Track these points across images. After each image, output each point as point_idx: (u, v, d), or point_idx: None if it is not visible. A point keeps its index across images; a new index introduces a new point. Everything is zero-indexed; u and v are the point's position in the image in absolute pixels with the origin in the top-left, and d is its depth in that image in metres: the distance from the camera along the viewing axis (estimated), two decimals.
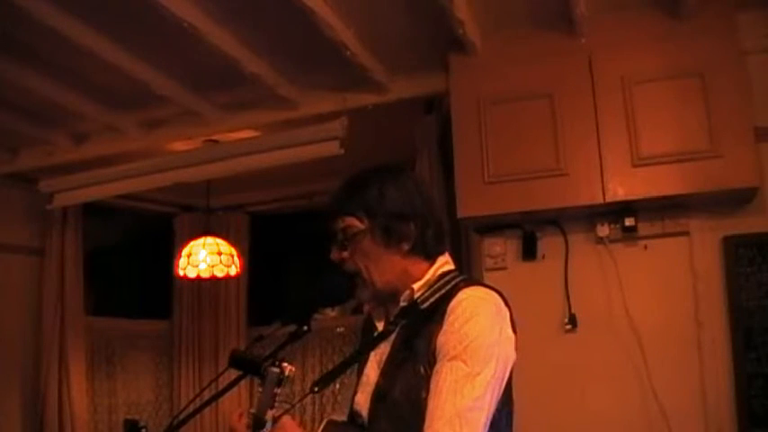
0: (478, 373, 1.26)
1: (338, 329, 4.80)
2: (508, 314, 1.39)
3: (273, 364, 1.26)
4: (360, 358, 1.44)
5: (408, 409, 1.31)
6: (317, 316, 1.45)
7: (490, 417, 1.28)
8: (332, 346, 4.87)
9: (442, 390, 1.26)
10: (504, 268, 2.95)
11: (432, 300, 1.38)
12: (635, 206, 2.72)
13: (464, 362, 1.27)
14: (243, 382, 1.42)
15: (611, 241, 2.80)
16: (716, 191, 2.59)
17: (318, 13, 2.55)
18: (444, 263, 1.47)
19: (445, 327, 1.32)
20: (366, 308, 1.56)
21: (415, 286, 1.42)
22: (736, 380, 2.60)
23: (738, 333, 2.61)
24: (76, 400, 4.15)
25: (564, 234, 2.88)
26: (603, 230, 2.79)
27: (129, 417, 4.61)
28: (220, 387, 1.46)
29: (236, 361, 1.34)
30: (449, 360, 1.28)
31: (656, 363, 2.67)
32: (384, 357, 1.41)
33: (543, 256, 2.91)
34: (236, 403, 4.74)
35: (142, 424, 4.04)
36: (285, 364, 1.26)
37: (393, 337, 1.41)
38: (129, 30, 2.76)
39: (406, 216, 1.43)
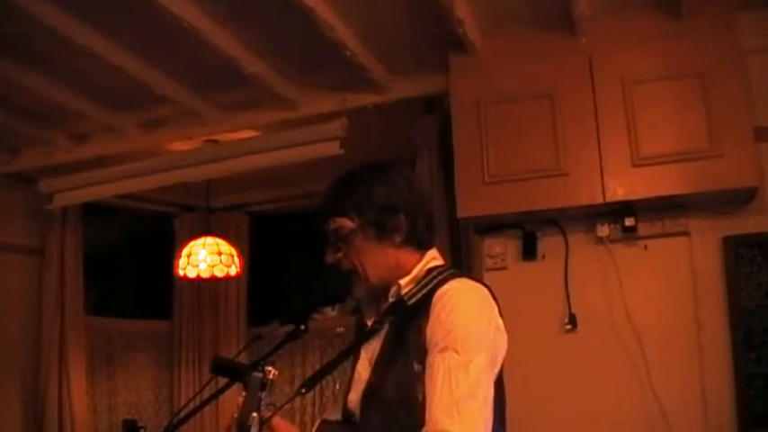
0: (471, 361, 1.26)
1: (338, 329, 4.79)
2: (496, 307, 1.39)
3: (256, 369, 1.26)
4: (346, 357, 1.44)
5: (400, 405, 1.32)
6: (316, 316, 1.45)
7: (489, 403, 1.28)
8: (332, 346, 4.86)
9: (437, 380, 1.25)
10: (504, 268, 2.95)
11: (419, 295, 1.38)
12: (635, 206, 2.72)
13: (455, 351, 1.27)
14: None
15: (611, 241, 2.80)
16: (716, 191, 2.59)
17: (318, 12, 2.55)
18: (432, 258, 1.48)
19: (432, 318, 1.32)
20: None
21: (402, 282, 1.42)
22: (736, 380, 2.60)
23: (738, 333, 2.61)
24: (76, 400, 4.15)
25: (564, 234, 2.88)
26: (603, 230, 2.79)
27: (127, 417, 4.61)
28: (220, 386, 1.46)
29: (218, 367, 1.33)
30: (440, 351, 1.28)
31: (656, 363, 2.67)
32: (375, 355, 1.41)
33: (543, 256, 2.91)
34: (236, 402, 4.73)
35: (140, 424, 4.04)
36: (268, 368, 1.27)
37: (384, 334, 1.41)
38: (130, 30, 2.76)
39: (396, 208, 1.44)
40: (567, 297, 2.82)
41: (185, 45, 2.78)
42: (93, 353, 4.57)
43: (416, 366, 1.32)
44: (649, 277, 2.76)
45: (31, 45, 2.83)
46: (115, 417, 4.68)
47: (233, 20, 2.70)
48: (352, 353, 1.44)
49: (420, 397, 1.28)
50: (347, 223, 1.43)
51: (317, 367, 5.02)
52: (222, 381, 1.43)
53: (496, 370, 1.35)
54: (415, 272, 1.44)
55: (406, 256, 1.45)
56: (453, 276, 1.39)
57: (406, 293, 1.40)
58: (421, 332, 1.33)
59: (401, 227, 1.44)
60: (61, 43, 2.72)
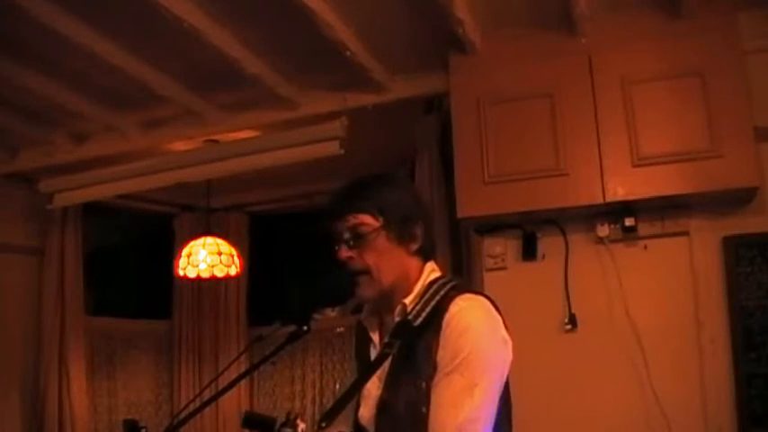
0: (476, 384, 1.29)
1: (338, 329, 4.79)
2: (501, 320, 1.40)
3: (286, 424, 1.28)
4: (364, 383, 1.41)
5: (410, 423, 1.33)
6: (316, 316, 1.45)
7: (491, 424, 1.30)
8: (332, 346, 4.87)
9: (442, 404, 1.29)
10: (504, 268, 2.95)
11: (424, 314, 1.38)
12: (635, 206, 2.71)
13: (461, 374, 1.29)
14: (243, 382, 1.42)
15: (611, 241, 2.79)
16: (716, 191, 2.59)
17: (318, 12, 2.55)
18: (432, 270, 1.49)
19: (442, 340, 1.34)
20: (365, 308, 1.56)
21: (407, 301, 1.42)
22: (736, 380, 2.60)
23: (738, 333, 2.61)
24: (76, 400, 4.15)
25: (564, 234, 2.88)
26: (603, 230, 2.79)
27: (128, 417, 4.61)
28: (220, 387, 1.46)
29: (250, 421, 1.36)
30: (446, 374, 1.31)
31: (656, 363, 2.67)
32: (385, 372, 1.41)
33: (543, 256, 2.91)
34: (236, 403, 4.74)
35: (142, 424, 4.04)
36: (298, 422, 1.29)
37: (379, 354, 1.40)
38: (129, 30, 2.76)
39: (415, 217, 1.46)
40: (567, 297, 2.82)
41: (186, 45, 2.78)
42: (93, 353, 4.57)
43: (424, 384, 1.33)
44: (649, 277, 2.76)
45: (31, 45, 2.82)
46: (115, 417, 4.68)
47: (233, 20, 2.70)
48: (367, 379, 1.41)
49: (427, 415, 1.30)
50: (370, 221, 1.43)
51: (317, 367, 5.04)
52: (223, 382, 1.43)
53: (503, 383, 1.37)
54: (417, 288, 1.44)
55: (413, 265, 1.47)
56: (457, 292, 1.40)
57: (410, 311, 1.40)
58: (430, 351, 1.34)
59: (419, 236, 1.46)
60: (61, 43, 2.72)
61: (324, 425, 1.29)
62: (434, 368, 1.33)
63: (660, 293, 2.75)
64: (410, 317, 1.39)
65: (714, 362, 2.64)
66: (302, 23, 2.62)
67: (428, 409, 1.30)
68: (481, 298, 1.41)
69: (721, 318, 2.65)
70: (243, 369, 1.92)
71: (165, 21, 2.54)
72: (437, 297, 1.40)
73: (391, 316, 1.44)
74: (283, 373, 4.97)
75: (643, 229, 2.76)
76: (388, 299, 1.45)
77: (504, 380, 1.37)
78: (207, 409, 1.52)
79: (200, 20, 2.62)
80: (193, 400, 1.59)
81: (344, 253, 1.44)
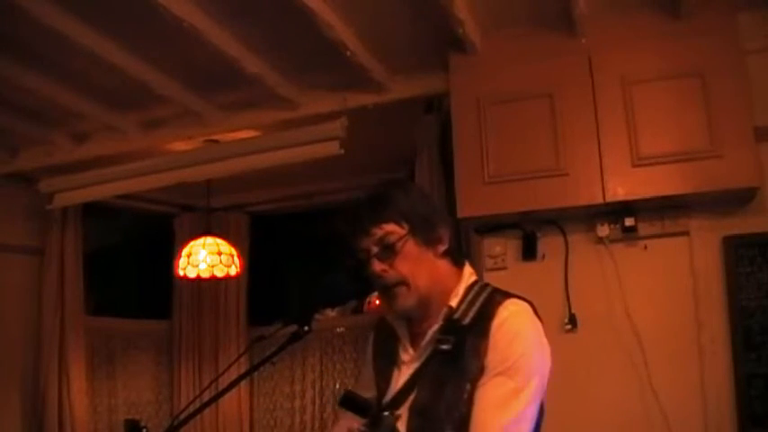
0: (523, 388, 1.32)
1: (338, 329, 4.79)
2: (541, 325, 1.44)
3: (384, 410, 1.33)
4: (422, 374, 1.41)
5: (448, 424, 1.34)
6: (317, 316, 1.45)
7: (533, 427, 1.35)
8: (332, 346, 4.86)
9: (488, 405, 1.31)
10: (504, 268, 2.95)
11: (471, 314, 1.40)
12: (635, 206, 2.72)
13: (510, 377, 1.32)
14: (243, 383, 1.43)
15: (611, 241, 2.80)
16: (716, 191, 2.59)
17: (318, 12, 2.55)
18: (470, 274, 1.50)
19: (491, 343, 1.35)
20: (368, 307, 1.57)
21: (452, 303, 1.43)
22: (736, 380, 2.60)
23: (738, 333, 2.61)
24: (76, 400, 4.15)
25: (564, 234, 2.88)
26: (603, 230, 2.79)
27: (129, 417, 4.61)
28: (221, 387, 1.46)
29: (348, 401, 1.36)
30: (494, 376, 1.33)
31: (656, 363, 2.67)
32: (422, 372, 1.41)
33: (543, 256, 2.91)
34: (236, 404, 4.74)
35: (143, 424, 4.04)
36: (398, 413, 1.33)
37: (429, 352, 1.42)
38: (129, 30, 2.76)
39: (436, 218, 1.47)
40: (567, 297, 2.82)
41: (185, 45, 2.78)
42: (93, 353, 4.56)
43: (469, 386, 1.34)
44: (649, 277, 2.76)
45: (31, 45, 2.82)
46: (115, 417, 4.67)
47: (233, 20, 2.70)
48: (426, 370, 1.41)
49: (470, 418, 1.32)
50: (396, 229, 1.42)
51: (317, 367, 5.04)
52: (223, 383, 1.43)
53: (545, 389, 1.42)
54: (461, 290, 1.45)
55: (445, 268, 1.47)
56: (502, 296, 1.42)
57: (455, 313, 1.41)
58: (478, 354, 1.35)
59: (444, 237, 1.46)
60: (61, 43, 2.72)
61: (389, 413, 1.33)
62: (481, 370, 1.34)
63: (660, 293, 2.75)
64: (456, 316, 1.40)
65: (714, 362, 2.64)
66: (302, 23, 2.62)
67: (469, 411, 1.32)
68: (526, 304, 1.44)
69: (721, 318, 2.65)
70: (243, 369, 1.92)
71: (164, 21, 2.54)
72: (480, 299, 1.42)
73: (428, 323, 1.44)
74: (283, 374, 4.97)
75: (643, 229, 2.76)
76: (425, 306, 1.44)
77: (545, 386, 1.41)
78: (207, 410, 1.51)
79: (200, 20, 2.62)
80: (193, 401, 1.59)
81: (378, 267, 1.42)
